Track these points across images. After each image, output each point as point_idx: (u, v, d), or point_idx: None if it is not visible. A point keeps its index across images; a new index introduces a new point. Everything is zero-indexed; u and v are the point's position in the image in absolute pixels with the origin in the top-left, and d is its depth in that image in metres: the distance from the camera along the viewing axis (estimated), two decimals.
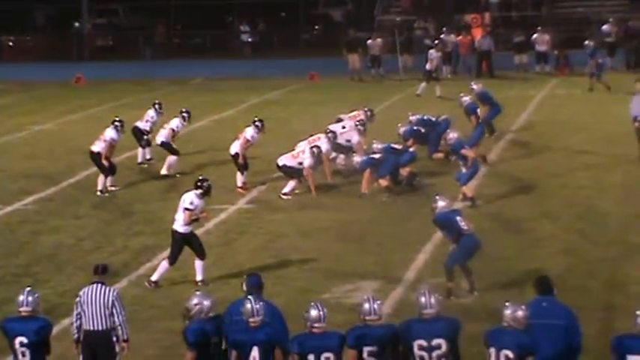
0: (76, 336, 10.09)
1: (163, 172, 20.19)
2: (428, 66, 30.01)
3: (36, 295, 9.48)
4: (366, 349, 8.77)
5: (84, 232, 16.47)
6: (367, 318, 8.88)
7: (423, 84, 29.66)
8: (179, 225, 13.55)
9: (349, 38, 36.91)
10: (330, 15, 52.62)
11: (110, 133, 19.32)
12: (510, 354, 8.47)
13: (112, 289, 10.09)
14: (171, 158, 20.28)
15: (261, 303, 9.05)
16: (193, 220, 13.63)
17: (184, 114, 20.88)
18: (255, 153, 21.75)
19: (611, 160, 19.95)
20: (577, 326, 9.13)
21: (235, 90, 33.48)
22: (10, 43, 49.97)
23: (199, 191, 13.66)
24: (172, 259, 13.60)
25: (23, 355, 9.26)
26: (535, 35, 35.22)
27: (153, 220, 17.04)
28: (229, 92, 33.01)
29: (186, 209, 13.48)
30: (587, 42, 31.87)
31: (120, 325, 9.94)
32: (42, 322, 9.43)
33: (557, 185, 18.35)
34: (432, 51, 30.56)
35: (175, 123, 20.62)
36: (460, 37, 36.53)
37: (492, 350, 8.53)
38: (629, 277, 13.32)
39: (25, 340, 9.24)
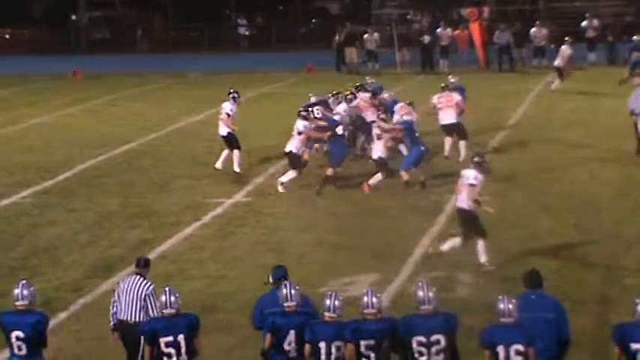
0: (112, 323, 10.16)
1: (237, 169, 19.32)
2: (558, 62, 28.80)
3: (31, 288, 9.43)
4: (363, 343, 8.78)
5: (80, 226, 16.46)
6: (365, 311, 8.90)
7: (557, 81, 28.62)
8: (464, 202, 13.44)
9: (346, 32, 36.92)
10: (327, 8, 52.64)
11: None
12: (521, 347, 8.47)
13: (148, 284, 10.05)
14: (236, 153, 19.35)
15: (297, 288, 9.17)
16: (475, 202, 13.40)
17: (234, 94, 19.87)
18: (252, 145, 21.76)
19: (607, 154, 19.96)
20: (566, 319, 9.15)
21: (232, 83, 33.34)
22: (7, 36, 49.95)
23: (479, 167, 13.50)
24: (465, 237, 13.48)
25: (19, 349, 9.23)
26: (533, 29, 35.27)
27: (149, 213, 17.03)
28: (226, 86, 32.87)
29: (471, 185, 13.35)
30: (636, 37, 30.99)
31: None
32: (38, 316, 9.38)
33: (554, 179, 18.36)
34: (563, 47, 29.01)
35: (228, 107, 19.64)
36: (458, 31, 36.59)
37: (500, 347, 8.48)
38: (625, 270, 13.33)
39: (21, 334, 9.19)
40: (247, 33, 48.38)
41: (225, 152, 19.56)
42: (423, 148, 17.86)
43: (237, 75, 35.69)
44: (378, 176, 17.60)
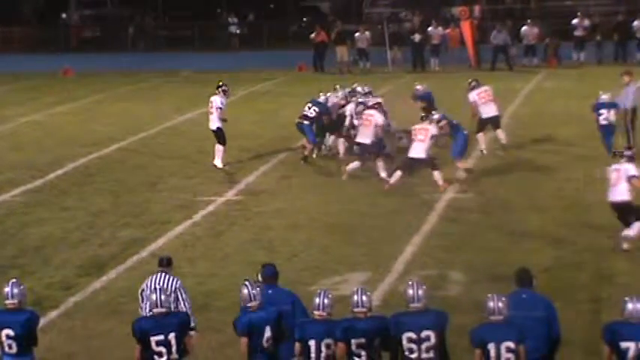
0: None
1: (219, 164, 19.60)
2: None
3: (22, 287, 9.41)
4: (354, 342, 8.78)
5: (71, 224, 16.42)
6: (355, 310, 8.90)
7: None
8: (622, 194, 13.67)
9: (337, 30, 36.94)
10: (319, 7, 52.66)
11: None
12: (512, 345, 8.49)
13: (175, 278, 10.07)
14: (219, 148, 19.64)
15: (257, 288, 9.17)
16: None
17: (224, 87, 20.17)
18: (243, 144, 21.79)
19: (598, 153, 19.96)
20: (556, 317, 9.15)
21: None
22: None
23: (632, 159, 13.81)
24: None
25: (10, 347, 9.22)
26: (524, 28, 35.33)
27: (141, 212, 17.00)
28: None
29: (635, 176, 13.62)
30: None
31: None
32: (29, 314, 9.37)
33: (545, 177, 18.39)
34: None
35: (218, 100, 19.86)
36: (449, 30, 36.62)
37: (491, 345, 8.49)
38: (617, 269, 13.35)
39: (11, 332, 9.18)
40: (238, 31, 48.33)
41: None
42: (466, 132, 18.51)
43: (228, 73, 35.62)
44: (437, 174, 17.45)
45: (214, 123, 19.65)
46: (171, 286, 9.93)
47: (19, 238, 15.84)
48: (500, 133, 20.51)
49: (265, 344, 9.03)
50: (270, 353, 9.06)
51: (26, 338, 9.25)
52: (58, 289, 13.25)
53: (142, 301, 10.09)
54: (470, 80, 21.02)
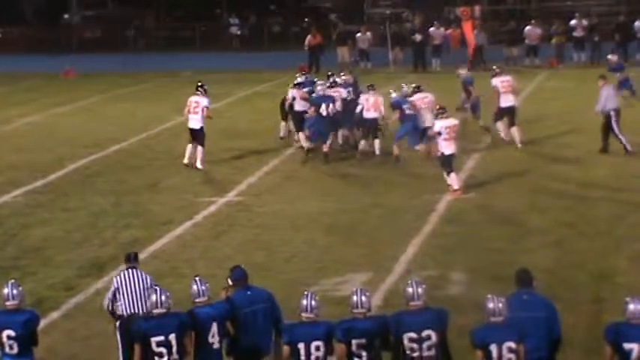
0: (118, 323, 10.09)
1: (199, 166, 19.58)
2: None
3: (20, 288, 9.43)
4: (354, 342, 8.77)
5: (72, 225, 16.43)
6: (355, 311, 8.88)
7: None
8: None
9: (338, 31, 36.97)
10: (320, 7, 52.67)
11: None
12: (513, 345, 8.50)
13: (148, 276, 10.11)
14: (200, 150, 19.68)
15: (206, 284, 9.28)
16: None
17: (205, 87, 20.21)
18: (244, 145, 21.79)
19: (598, 153, 19.97)
20: (557, 317, 9.15)
21: (224, 83, 33.42)
22: None
23: None
24: None
25: (11, 347, 9.24)
26: (527, 28, 35.34)
27: (142, 212, 17.01)
28: (218, 85, 32.88)
29: None
30: None
31: None
32: (29, 314, 9.40)
33: (546, 177, 18.38)
34: None
35: (205, 101, 19.90)
36: (450, 31, 36.64)
37: (493, 346, 8.49)
38: (617, 269, 13.34)
39: (12, 333, 9.20)
40: (239, 32, 48.36)
41: (190, 147, 19.67)
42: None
43: (229, 74, 35.69)
44: (453, 176, 17.20)
45: (198, 122, 19.71)
46: (148, 281, 9.98)
47: (20, 238, 15.85)
48: (516, 133, 20.58)
49: (211, 340, 9.07)
50: (217, 350, 9.11)
51: (27, 339, 9.27)
52: (59, 290, 13.25)
53: (117, 301, 10.04)
54: (494, 67, 21.97)
